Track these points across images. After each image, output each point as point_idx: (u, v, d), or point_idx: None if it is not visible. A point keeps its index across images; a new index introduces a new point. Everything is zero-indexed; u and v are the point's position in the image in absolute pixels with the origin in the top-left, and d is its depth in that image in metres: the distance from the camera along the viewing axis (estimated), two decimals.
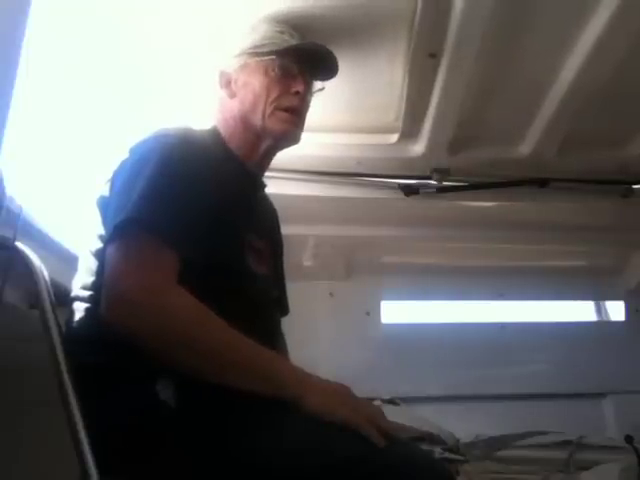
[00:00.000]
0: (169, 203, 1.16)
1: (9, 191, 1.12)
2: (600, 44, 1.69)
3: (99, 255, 1.19)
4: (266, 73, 1.44)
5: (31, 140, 1.72)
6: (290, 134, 1.47)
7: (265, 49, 1.46)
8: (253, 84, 1.45)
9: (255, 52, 1.47)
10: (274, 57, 1.45)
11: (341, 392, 1.11)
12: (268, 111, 1.42)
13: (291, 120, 1.45)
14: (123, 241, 1.12)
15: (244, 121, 1.45)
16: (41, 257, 1.16)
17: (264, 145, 1.46)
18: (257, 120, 1.43)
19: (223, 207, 1.25)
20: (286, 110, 1.44)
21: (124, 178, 1.23)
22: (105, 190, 1.27)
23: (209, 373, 1.07)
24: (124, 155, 1.29)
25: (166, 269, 1.11)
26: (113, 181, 1.26)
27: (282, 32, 1.50)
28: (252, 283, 1.30)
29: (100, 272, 1.16)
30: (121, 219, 1.12)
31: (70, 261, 1.33)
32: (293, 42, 1.49)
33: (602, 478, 1.93)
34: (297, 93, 1.44)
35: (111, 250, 1.13)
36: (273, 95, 1.43)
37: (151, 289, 1.08)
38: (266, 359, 1.12)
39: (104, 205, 1.24)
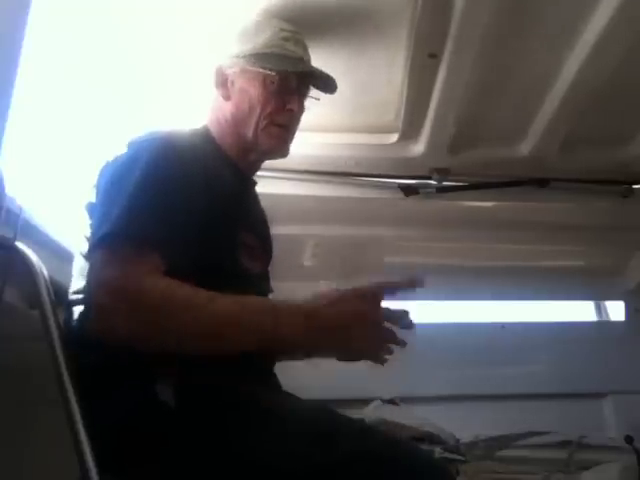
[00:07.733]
0: (156, 208, 1.13)
1: (9, 191, 1.13)
2: (600, 44, 1.69)
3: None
4: (264, 84, 1.43)
5: (31, 140, 1.72)
6: (279, 150, 1.47)
7: (266, 63, 1.43)
8: (250, 93, 1.43)
9: (255, 61, 1.44)
10: (274, 73, 1.42)
11: (324, 324, 1.11)
12: (261, 125, 1.42)
13: (282, 136, 1.45)
14: (107, 252, 1.08)
15: (236, 126, 1.44)
16: (41, 257, 1.15)
17: (252, 155, 1.46)
18: (249, 132, 1.42)
19: (215, 206, 1.24)
20: (278, 126, 1.43)
21: (109, 183, 1.21)
22: (92, 194, 1.24)
23: (197, 346, 1.06)
24: (109, 159, 1.26)
25: (147, 269, 1.07)
26: (98, 186, 1.24)
27: (287, 39, 1.47)
28: (246, 281, 1.29)
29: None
30: (105, 231, 1.09)
31: (70, 261, 1.32)
32: (297, 53, 1.47)
33: (602, 478, 1.93)
34: (291, 111, 1.44)
35: (96, 259, 1.10)
36: (268, 109, 1.42)
37: (128, 287, 1.04)
38: (253, 311, 1.10)
39: (91, 210, 1.22)
